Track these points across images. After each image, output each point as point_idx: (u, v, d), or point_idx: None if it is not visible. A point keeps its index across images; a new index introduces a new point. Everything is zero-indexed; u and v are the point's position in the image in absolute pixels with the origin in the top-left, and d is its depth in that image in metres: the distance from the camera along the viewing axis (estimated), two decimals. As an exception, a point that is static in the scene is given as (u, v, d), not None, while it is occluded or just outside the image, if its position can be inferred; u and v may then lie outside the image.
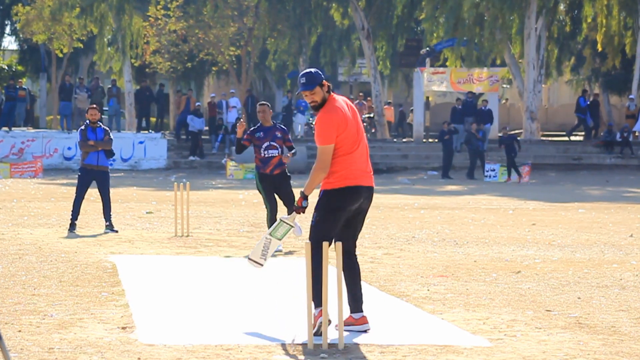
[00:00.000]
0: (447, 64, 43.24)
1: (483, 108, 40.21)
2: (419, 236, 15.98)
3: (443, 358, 7.26)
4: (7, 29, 56.68)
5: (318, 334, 7.66)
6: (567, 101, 64.23)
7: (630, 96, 43.19)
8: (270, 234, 8.32)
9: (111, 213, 16.22)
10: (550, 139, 44.43)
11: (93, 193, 18.47)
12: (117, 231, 15.94)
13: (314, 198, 8.11)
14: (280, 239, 8.35)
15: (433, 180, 34.89)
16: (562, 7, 45.06)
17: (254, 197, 23.94)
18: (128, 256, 13.02)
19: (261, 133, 13.86)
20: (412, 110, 44.77)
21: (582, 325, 8.51)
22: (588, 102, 42.32)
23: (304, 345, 7.57)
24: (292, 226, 8.26)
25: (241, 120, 14.04)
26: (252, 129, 14.03)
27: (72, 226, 15.87)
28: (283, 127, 14.25)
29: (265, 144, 13.82)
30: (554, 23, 44.02)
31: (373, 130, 44.26)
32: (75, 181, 16.58)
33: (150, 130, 41.77)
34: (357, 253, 8.27)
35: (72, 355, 7.18)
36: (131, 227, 16.91)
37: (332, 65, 52.15)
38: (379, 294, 10.09)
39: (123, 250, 13.72)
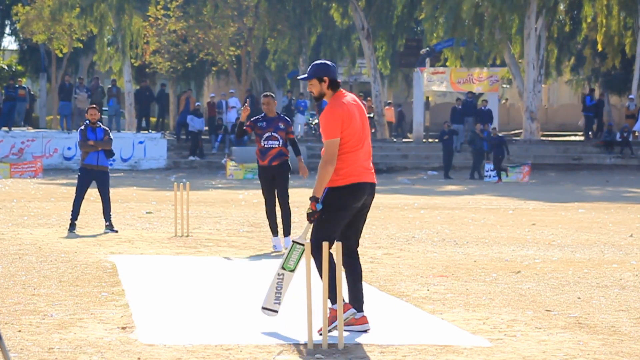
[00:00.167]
0: (447, 64, 43.23)
1: (483, 108, 40.21)
2: (418, 236, 15.97)
3: (443, 358, 7.26)
4: (7, 29, 56.69)
5: (331, 331, 7.72)
6: (567, 101, 64.25)
7: (630, 96, 43.19)
8: (283, 267, 8.11)
9: (111, 213, 16.22)
10: (550, 139, 44.43)
11: (93, 193, 18.48)
12: (117, 231, 15.94)
13: (308, 197, 8.10)
14: (293, 270, 8.11)
15: (433, 180, 34.89)
16: (562, 7, 45.07)
17: (254, 197, 23.94)
18: (128, 256, 13.02)
19: (264, 123, 13.67)
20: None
21: (582, 325, 8.51)
22: (595, 102, 42.26)
23: (304, 345, 7.57)
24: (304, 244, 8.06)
25: (246, 105, 13.90)
26: (255, 117, 13.91)
27: (72, 226, 15.87)
28: (287, 118, 13.98)
29: (267, 134, 13.62)
30: (553, 23, 44.03)
31: (373, 130, 44.27)
32: (75, 181, 16.58)
33: (150, 130, 41.77)
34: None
35: (72, 355, 7.18)
36: (131, 227, 16.90)
37: (332, 65, 52.14)
38: (379, 294, 10.08)
39: (123, 250, 13.72)
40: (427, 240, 15.33)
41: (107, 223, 16.03)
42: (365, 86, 55.36)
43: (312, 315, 7.54)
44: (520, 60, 42.75)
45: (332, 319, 7.82)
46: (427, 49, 43.42)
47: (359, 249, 8.31)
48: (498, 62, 45.62)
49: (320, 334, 7.65)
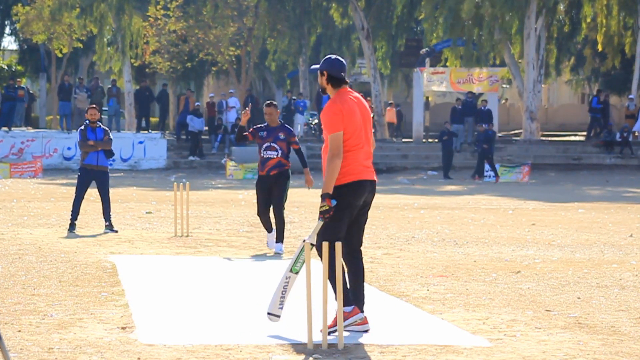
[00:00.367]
0: (447, 64, 43.25)
1: (482, 108, 40.21)
2: (418, 236, 15.98)
3: (443, 358, 7.26)
4: (7, 29, 56.69)
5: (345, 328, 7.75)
6: (566, 101, 64.29)
7: (630, 96, 43.19)
8: (291, 270, 8.05)
9: (111, 213, 16.22)
10: (550, 139, 44.43)
11: (93, 193, 18.48)
12: (116, 231, 15.94)
13: (312, 198, 8.10)
14: (297, 272, 8.06)
15: (433, 180, 34.89)
16: (561, 7, 45.06)
17: (254, 197, 23.92)
18: (128, 256, 13.02)
19: (264, 132, 13.54)
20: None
21: (581, 325, 8.51)
22: (601, 104, 42.20)
23: (303, 345, 7.57)
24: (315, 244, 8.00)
25: (247, 109, 13.82)
26: (258, 126, 13.83)
27: (72, 226, 15.87)
28: (289, 128, 13.77)
29: (266, 145, 13.49)
30: (553, 23, 44.03)
31: (373, 131, 44.23)
32: (75, 181, 16.58)
33: (149, 130, 41.77)
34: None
35: (71, 355, 7.18)
36: (131, 227, 16.90)
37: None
38: (379, 294, 10.08)
39: (123, 250, 13.72)
40: (427, 240, 15.33)
41: (107, 223, 16.03)
42: (365, 86, 55.35)
43: (312, 315, 7.54)
44: (520, 60, 42.75)
45: (343, 319, 7.84)
46: (427, 49, 43.42)
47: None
48: (498, 61, 45.62)
49: (329, 333, 7.64)
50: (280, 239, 13.66)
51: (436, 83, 42.64)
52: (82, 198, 16.14)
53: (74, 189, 16.55)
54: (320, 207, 7.93)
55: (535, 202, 24.77)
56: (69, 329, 8.07)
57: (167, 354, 7.26)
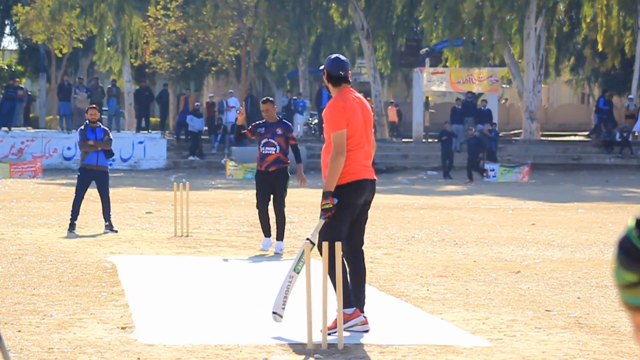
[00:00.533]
0: (447, 64, 43.26)
1: (482, 108, 40.20)
2: (418, 236, 15.97)
3: (443, 358, 7.26)
4: (7, 29, 56.68)
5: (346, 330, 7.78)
6: (566, 101, 64.28)
7: (630, 96, 43.19)
8: (294, 270, 8.05)
9: (111, 213, 16.22)
10: (549, 139, 44.44)
11: (92, 193, 18.49)
12: (116, 231, 15.94)
13: (312, 198, 8.09)
14: (299, 272, 8.07)
15: (433, 180, 34.89)
16: (561, 7, 45.07)
17: (254, 197, 23.90)
18: (128, 256, 13.02)
19: (262, 129, 13.53)
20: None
21: (581, 325, 8.51)
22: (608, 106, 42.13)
23: (303, 345, 7.57)
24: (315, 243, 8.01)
25: (241, 108, 13.82)
26: (256, 123, 13.84)
27: (72, 226, 15.86)
28: (287, 123, 13.78)
29: (264, 141, 13.47)
30: (553, 23, 44.04)
31: (373, 130, 44.26)
32: (75, 181, 16.58)
33: (149, 130, 41.78)
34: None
35: (71, 355, 7.18)
36: (131, 227, 16.90)
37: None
38: (379, 294, 10.08)
39: (123, 250, 13.72)
40: (426, 240, 15.33)
41: (107, 223, 16.03)
42: (364, 86, 55.33)
43: (312, 316, 7.53)
44: (519, 60, 42.76)
45: (344, 321, 7.84)
46: (427, 49, 43.42)
47: (359, 249, 8.32)
48: (497, 61, 45.62)
49: (329, 334, 7.65)
50: (280, 236, 13.66)
51: (436, 83, 42.64)
52: (82, 198, 16.14)
53: (73, 189, 16.56)
54: (323, 204, 7.92)
55: (535, 202, 24.77)
56: (69, 329, 8.07)
57: (167, 354, 7.25)
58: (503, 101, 58.42)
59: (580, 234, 16.68)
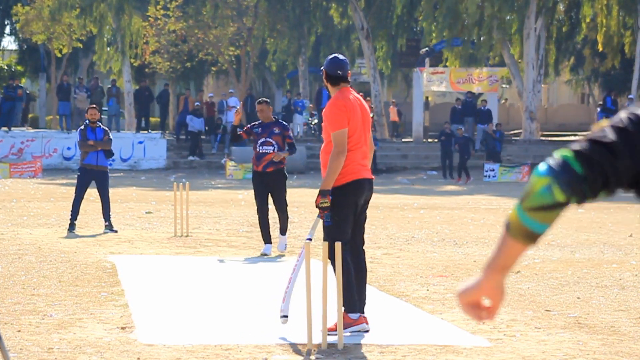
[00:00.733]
0: (447, 64, 43.26)
1: (482, 108, 40.20)
2: (418, 236, 15.97)
3: (443, 358, 7.26)
4: (7, 29, 56.68)
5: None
6: (566, 101, 64.26)
7: (630, 96, 43.18)
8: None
9: (110, 213, 16.22)
10: (549, 139, 44.44)
11: (92, 193, 18.49)
12: (116, 231, 15.94)
13: (312, 198, 8.10)
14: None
15: (432, 180, 34.89)
16: (561, 7, 45.07)
17: (253, 198, 23.91)
18: (127, 256, 13.01)
19: (259, 129, 13.46)
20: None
21: (581, 325, 8.51)
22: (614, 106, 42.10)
23: (303, 345, 7.57)
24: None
25: (238, 108, 13.78)
26: (252, 123, 13.80)
27: (72, 226, 15.86)
28: (284, 123, 13.75)
29: (261, 140, 13.38)
30: (553, 23, 44.04)
31: (373, 130, 44.27)
32: (75, 181, 16.57)
33: (149, 130, 41.78)
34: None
35: (71, 355, 7.18)
36: (131, 227, 16.90)
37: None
38: (379, 294, 10.08)
39: (122, 250, 13.72)
40: (426, 240, 15.33)
41: (107, 223, 16.03)
42: (364, 86, 55.34)
43: (312, 315, 7.53)
44: (519, 60, 42.76)
45: (345, 325, 7.84)
46: (427, 48, 43.43)
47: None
48: (496, 60, 45.62)
49: (329, 334, 7.65)
50: (283, 231, 13.64)
51: (436, 83, 42.65)
52: (82, 198, 16.13)
53: (73, 189, 16.56)
54: (321, 202, 7.93)
55: (535, 202, 24.73)
56: (69, 329, 8.07)
57: (167, 354, 7.25)
58: (503, 101, 58.42)
59: (580, 233, 16.68)
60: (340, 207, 7.99)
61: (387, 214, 20.09)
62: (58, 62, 48.65)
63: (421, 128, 43.08)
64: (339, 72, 8.18)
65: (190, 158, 38.61)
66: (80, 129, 16.30)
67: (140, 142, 38.11)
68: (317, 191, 8.15)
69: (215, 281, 10.95)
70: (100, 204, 16.31)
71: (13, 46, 60.09)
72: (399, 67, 50.33)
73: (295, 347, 7.54)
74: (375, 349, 7.52)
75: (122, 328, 8.15)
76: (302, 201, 21.74)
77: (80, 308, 9.03)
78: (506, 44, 41.92)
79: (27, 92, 45.71)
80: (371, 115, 31.21)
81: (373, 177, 8.35)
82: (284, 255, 13.40)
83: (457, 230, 16.99)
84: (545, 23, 41.98)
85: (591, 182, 2.81)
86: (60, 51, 45.53)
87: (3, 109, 38.77)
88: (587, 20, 44.17)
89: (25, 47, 53.22)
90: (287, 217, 13.67)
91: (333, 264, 7.67)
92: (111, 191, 16.72)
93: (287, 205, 13.63)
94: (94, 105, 16.75)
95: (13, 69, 52.82)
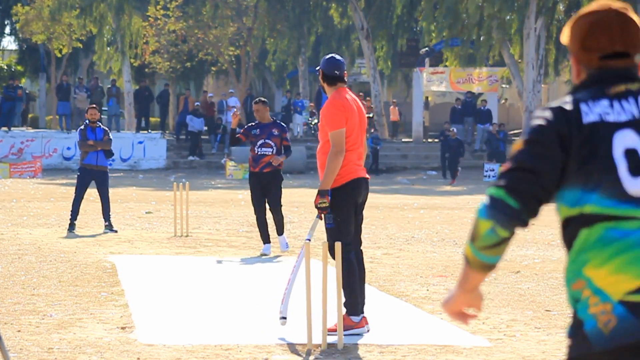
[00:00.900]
0: (447, 64, 43.26)
1: (482, 108, 40.20)
2: (418, 236, 15.97)
3: (442, 358, 7.26)
4: (7, 29, 56.68)
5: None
6: (566, 101, 64.21)
7: (630, 96, 43.21)
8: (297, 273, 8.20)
9: (110, 213, 16.22)
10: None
11: (92, 193, 18.50)
12: (116, 231, 15.94)
13: (312, 198, 8.09)
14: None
15: (432, 180, 34.90)
16: (561, 7, 45.07)
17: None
18: (127, 256, 13.02)
19: (257, 130, 13.40)
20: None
21: (581, 325, 8.50)
22: None
23: (303, 345, 7.57)
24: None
25: (236, 111, 13.75)
26: (249, 124, 13.76)
27: (72, 226, 15.86)
28: (282, 124, 13.70)
29: (260, 142, 13.33)
30: (553, 23, 44.05)
31: (373, 131, 44.28)
32: (75, 181, 16.58)
33: (149, 130, 41.79)
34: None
35: (71, 355, 7.18)
36: (130, 227, 16.90)
37: (331, 65, 52.13)
38: (379, 294, 10.08)
39: (122, 250, 13.72)
40: (426, 240, 15.33)
41: (107, 223, 16.03)
42: (364, 86, 55.35)
43: (312, 315, 7.53)
44: (519, 60, 42.77)
45: (346, 327, 7.85)
46: (427, 48, 43.43)
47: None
48: (496, 59, 45.61)
49: (329, 335, 7.65)
50: (280, 231, 13.56)
51: (436, 83, 42.66)
52: (82, 198, 16.13)
53: (73, 189, 16.56)
54: (320, 203, 7.92)
55: (535, 202, 24.74)
56: (69, 329, 8.07)
57: (167, 354, 7.26)
58: (503, 101, 58.40)
59: (580, 234, 16.67)
60: (341, 207, 8.00)
61: (387, 214, 20.09)
62: (58, 62, 48.65)
63: (421, 128, 43.09)
64: (335, 72, 8.18)
65: (190, 158, 38.61)
66: (80, 129, 16.30)
67: (140, 142, 38.11)
68: (317, 191, 8.15)
69: (215, 281, 10.95)
70: (100, 204, 16.32)
71: (13, 46, 60.11)
72: (399, 67, 50.32)
73: (295, 347, 7.54)
74: (375, 349, 7.52)
75: (122, 328, 8.15)
76: (302, 201, 21.72)
77: (80, 308, 9.04)
78: (506, 44, 41.93)
79: (27, 92, 45.71)
80: (371, 115, 31.20)
81: (369, 176, 8.35)
82: (281, 256, 13.39)
83: (457, 230, 17.00)
84: (545, 23, 41.98)
85: (528, 210, 3.17)
86: (60, 51, 45.53)
87: (3, 109, 38.77)
88: (587, 20, 44.13)
89: (25, 47, 53.22)
90: (282, 217, 13.58)
91: (339, 265, 7.69)
92: (111, 191, 16.72)
93: (281, 206, 13.55)
94: (94, 105, 16.75)
95: (13, 69, 52.82)
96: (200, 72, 52.51)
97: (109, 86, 42.15)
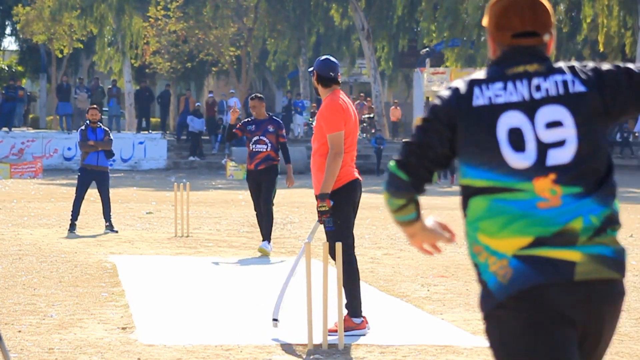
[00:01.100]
0: (448, 64, 43.28)
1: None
2: (418, 236, 15.95)
3: (443, 358, 7.26)
4: (8, 30, 56.71)
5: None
6: (567, 101, 64.29)
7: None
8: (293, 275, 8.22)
9: (111, 213, 16.22)
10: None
11: (93, 193, 18.51)
12: (117, 231, 15.95)
13: (312, 198, 8.09)
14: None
15: (433, 180, 34.85)
16: (561, 7, 45.07)
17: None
18: (128, 256, 13.02)
19: (253, 126, 13.37)
20: None
21: (582, 325, 8.50)
22: None
23: (303, 345, 7.57)
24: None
25: (234, 107, 13.72)
26: (245, 120, 13.73)
27: (72, 226, 15.87)
28: (278, 120, 13.64)
29: (255, 138, 13.29)
30: (553, 23, 44.01)
31: (373, 131, 44.30)
32: (75, 181, 16.58)
33: (150, 131, 41.82)
34: (356, 254, 8.26)
35: (72, 355, 7.18)
36: (131, 227, 16.91)
37: (331, 66, 52.17)
38: (379, 294, 10.09)
39: (123, 250, 13.72)
40: (427, 241, 15.31)
41: (107, 223, 16.04)
42: (365, 86, 55.38)
43: (313, 316, 7.54)
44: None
45: (348, 329, 7.85)
46: (427, 49, 43.45)
47: (358, 250, 8.34)
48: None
49: (329, 335, 7.65)
50: (267, 236, 13.32)
51: (436, 83, 42.67)
52: (83, 198, 16.14)
53: (74, 189, 16.56)
54: (320, 207, 7.92)
55: (536, 202, 24.73)
56: (69, 330, 8.07)
57: (167, 354, 7.26)
58: (503, 101, 58.44)
59: (580, 234, 16.66)
60: (341, 209, 8.00)
61: (388, 214, 20.08)
62: (58, 63, 48.69)
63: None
64: (330, 73, 8.18)
65: (191, 158, 38.62)
66: (81, 129, 16.31)
67: (141, 143, 38.13)
68: (307, 192, 8.16)
69: (216, 281, 10.95)
70: (100, 204, 16.32)
71: (14, 47, 60.15)
72: (399, 68, 50.34)
73: (295, 348, 7.54)
74: (375, 349, 7.52)
75: (123, 328, 8.15)
76: (302, 201, 21.71)
77: (80, 308, 9.04)
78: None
79: (28, 93, 45.74)
80: (371, 115, 31.21)
81: (361, 178, 8.44)
82: (282, 256, 13.39)
83: (457, 230, 16.96)
84: (546, 23, 41.96)
85: (418, 180, 3.54)
86: (61, 51, 45.56)
87: (4, 109, 38.80)
88: (588, 20, 44.18)
89: (26, 47, 53.27)
90: (272, 219, 13.30)
91: (342, 268, 7.70)
92: (111, 191, 16.72)
93: (272, 205, 13.35)
94: (95, 106, 16.75)
95: (14, 70, 52.86)
96: (201, 72, 52.55)
97: (110, 86, 42.17)
